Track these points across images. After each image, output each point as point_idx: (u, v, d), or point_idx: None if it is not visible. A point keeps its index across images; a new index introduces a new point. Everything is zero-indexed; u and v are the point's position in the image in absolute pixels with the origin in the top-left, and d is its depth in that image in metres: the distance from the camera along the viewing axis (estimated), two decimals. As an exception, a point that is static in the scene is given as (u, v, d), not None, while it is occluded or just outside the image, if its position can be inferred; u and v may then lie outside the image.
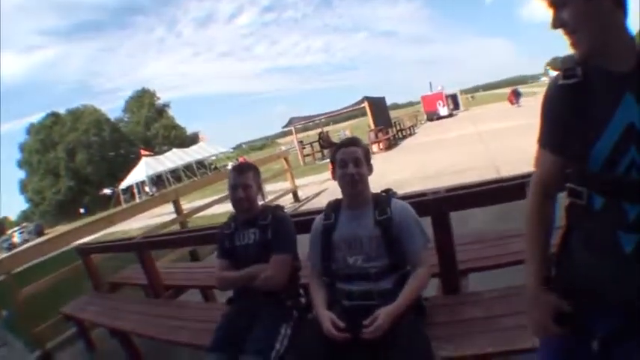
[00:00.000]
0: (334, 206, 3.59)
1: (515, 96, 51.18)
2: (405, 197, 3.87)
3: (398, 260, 3.28)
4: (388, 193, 3.55)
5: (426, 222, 3.67)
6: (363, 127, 36.33)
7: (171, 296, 6.30)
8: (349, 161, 3.35)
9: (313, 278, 3.58)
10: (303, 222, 3.86)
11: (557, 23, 1.75)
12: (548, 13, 1.77)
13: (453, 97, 62.29)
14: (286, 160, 16.18)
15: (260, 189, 4.23)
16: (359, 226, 3.36)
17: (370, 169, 3.50)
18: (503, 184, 3.78)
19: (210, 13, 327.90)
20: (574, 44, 1.74)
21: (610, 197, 1.75)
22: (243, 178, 4.01)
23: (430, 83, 61.14)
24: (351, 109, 37.01)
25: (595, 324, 1.85)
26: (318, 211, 3.81)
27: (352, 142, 3.55)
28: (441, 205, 3.84)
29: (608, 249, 1.77)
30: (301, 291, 4.01)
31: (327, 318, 3.15)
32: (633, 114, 1.65)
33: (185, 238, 6.31)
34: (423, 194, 4.16)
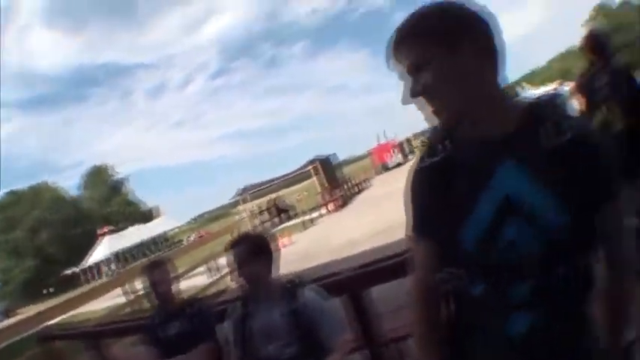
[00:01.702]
0: (245, 299, 3.67)
1: None
2: (316, 279, 4.07)
3: (311, 347, 3.35)
4: (296, 282, 3.56)
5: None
6: (315, 188, 36.36)
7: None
8: (242, 262, 3.46)
9: None
10: (222, 310, 3.96)
11: (416, 90, 1.58)
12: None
13: (403, 144, 61.14)
14: (234, 233, 16.06)
15: (173, 281, 4.45)
16: (271, 315, 3.41)
17: (269, 260, 3.55)
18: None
19: (162, 82, 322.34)
20: (436, 112, 1.60)
21: (491, 280, 1.59)
22: (156, 274, 4.29)
23: (377, 134, 59.80)
24: (299, 172, 37.20)
25: None
26: (234, 300, 3.90)
27: (241, 240, 3.66)
28: (353, 284, 3.99)
29: (497, 335, 1.62)
30: None
31: None
32: (511, 184, 1.53)
33: (132, 326, 6.27)
34: (335, 274, 4.32)
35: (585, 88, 5.29)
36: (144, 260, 48.68)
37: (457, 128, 1.67)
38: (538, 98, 1.72)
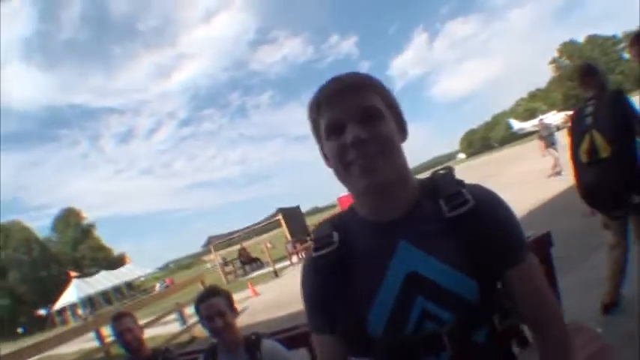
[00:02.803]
0: (211, 350, 3.75)
1: None
2: (276, 332, 4.25)
3: None
4: (259, 334, 3.65)
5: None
6: (283, 237, 35.81)
7: None
8: (214, 315, 3.50)
9: None
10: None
11: (355, 138, 1.45)
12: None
13: None
14: (202, 283, 15.81)
15: (141, 330, 4.55)
16: None
17: (235, 314, 3.67)
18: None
19: (131, 128, 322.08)
20: (371, 169, 1.46)
21: (404, 359, 1.50)
22: (123, 323, 4.38)
23: None
24: (265, 222, 36.58)
25: None
26: (203, 351, 3.94)
27: (212, 293, 3.66)
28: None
29: None
30: None
31: None
32: (412, 261, 1.50)
33: None
34: (293, 328, 4.49)
35: (575, 118, 5.21)
36: (115, 306, 48.40)
37: (346, 215, 1.71)
38: (432, 175, 1.69)
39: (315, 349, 1.74)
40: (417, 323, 1.48)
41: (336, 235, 1.63)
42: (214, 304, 3.52)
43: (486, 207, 1.52)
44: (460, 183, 1.59)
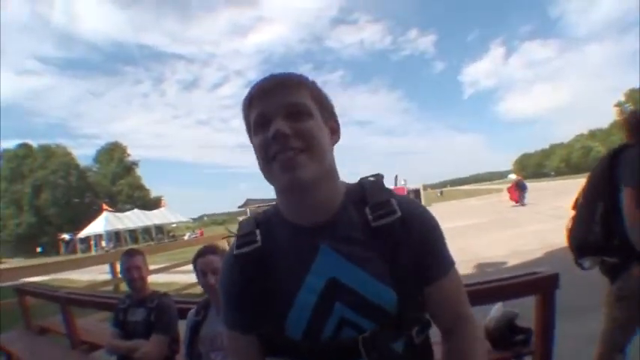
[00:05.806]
0: (204, 304, 3.78)
1: (520, 190, 38.59)
2: None
3: None
4: None
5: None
6: None
7: (86, 350, 6.79)
8: (208, 271, 3.56)
9: None
10: (185, 309, 4.09)
11: (277, 132, 1.42)
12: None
13: (416, 193, 58.76)
14: (228, 241, 14.98)
15: (148, 271, 4.76)
16: (219, 325, 3.39)
17: None
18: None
19: (197, 77, 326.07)
20: (292, 165, 1.43)
21: None
22: (134, 260, 4.58)
23: (396, 177, 59.61)
24: None
25: None
26: (196, 303, 3.98)
27: (209, 250, 3.71)
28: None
29: None
30: None
31: None
32: (333, 267, 1.49)
33: (100, 302, 6.62)
34: None
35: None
36: (140, 245, 48.90)
37: (270, 214, 1.67)
38: (361, 181, 1.67)
39: (228, 345, 1.73)
40: (334, 330, 1.48)
41: (258, 233, 1.60)
42: (210, 261, 3.59)
43: (413, 220, 1.54)
44: (389, 192, 1.59)
